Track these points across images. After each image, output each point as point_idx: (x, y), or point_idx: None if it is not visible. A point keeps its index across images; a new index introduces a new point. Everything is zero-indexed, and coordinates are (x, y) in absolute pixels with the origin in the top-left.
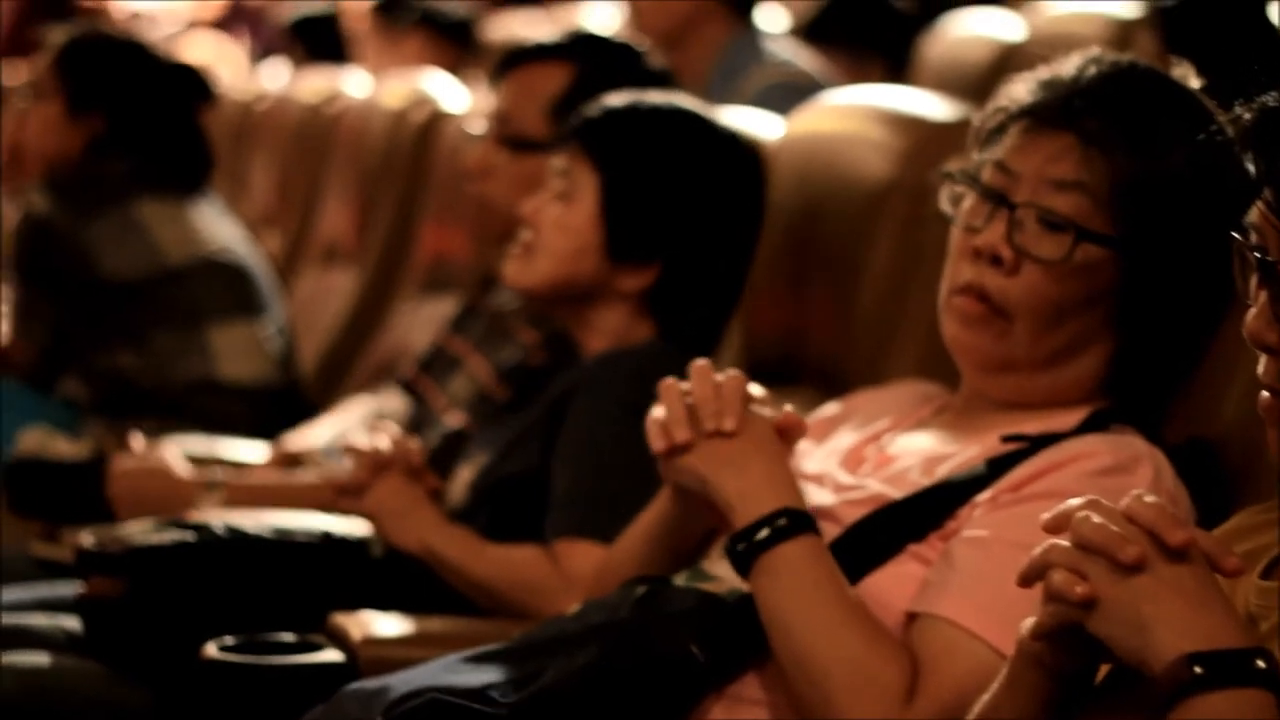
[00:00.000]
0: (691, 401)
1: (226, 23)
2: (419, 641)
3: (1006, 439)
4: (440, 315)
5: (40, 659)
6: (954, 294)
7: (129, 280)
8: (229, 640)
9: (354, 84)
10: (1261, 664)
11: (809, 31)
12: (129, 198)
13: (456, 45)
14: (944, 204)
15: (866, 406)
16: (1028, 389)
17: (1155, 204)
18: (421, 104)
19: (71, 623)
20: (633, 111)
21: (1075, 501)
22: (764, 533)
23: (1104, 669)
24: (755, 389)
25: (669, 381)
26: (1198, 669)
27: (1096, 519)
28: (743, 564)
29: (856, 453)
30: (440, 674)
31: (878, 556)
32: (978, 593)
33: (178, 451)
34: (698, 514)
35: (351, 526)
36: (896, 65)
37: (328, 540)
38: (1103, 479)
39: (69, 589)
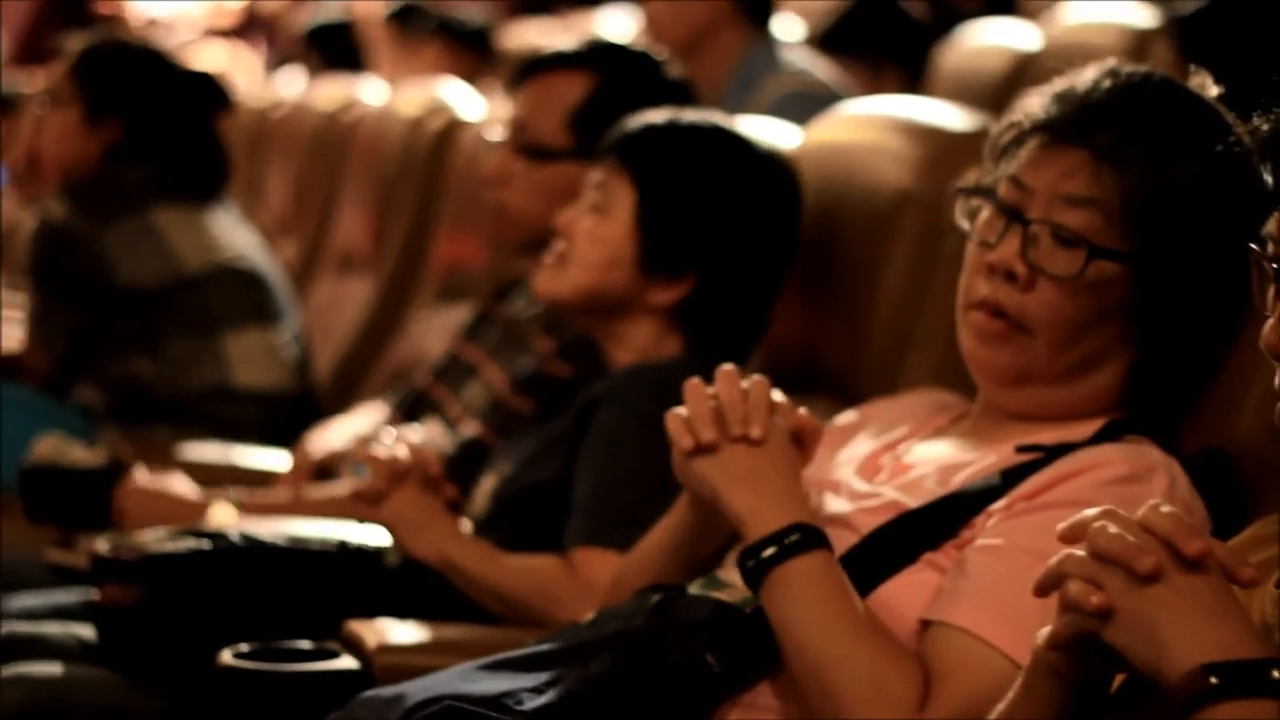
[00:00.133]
0: (716, 405)
1: (242, 30)
2: (434, 649)
3: (1021, 449)
4: (455, 323)
5: (53, 668)
6: (970, 309)
7: (145, 287)
8: (244, 647)
9: (370, 92)
10: (1277, 674)
11: (825, 41)
12: (146, 205)
13: (473, 54)
14: (959, 218)
15: (883, 415)
16: (1045, 402)
17: (1169, 218)
18: (438, 112)
19: (85, 631)
20: (671, 128)
21: (1091, 511)
22: (775, 549)
23: (1119, 679)
24: (778, 395)
25: (695, 382)
26: (1213, 679)
27: (1113, 529)
28: (754, 579)
29: (872, 461)
30: (456, 681)
31: (893, 565)
32: (992, 601)
33: (186, 480)
34: (714, 523)
35: (367, 535)
36: (912, 75)
37: (343, 549)
38: (1118, 488)
39: (83, 596)
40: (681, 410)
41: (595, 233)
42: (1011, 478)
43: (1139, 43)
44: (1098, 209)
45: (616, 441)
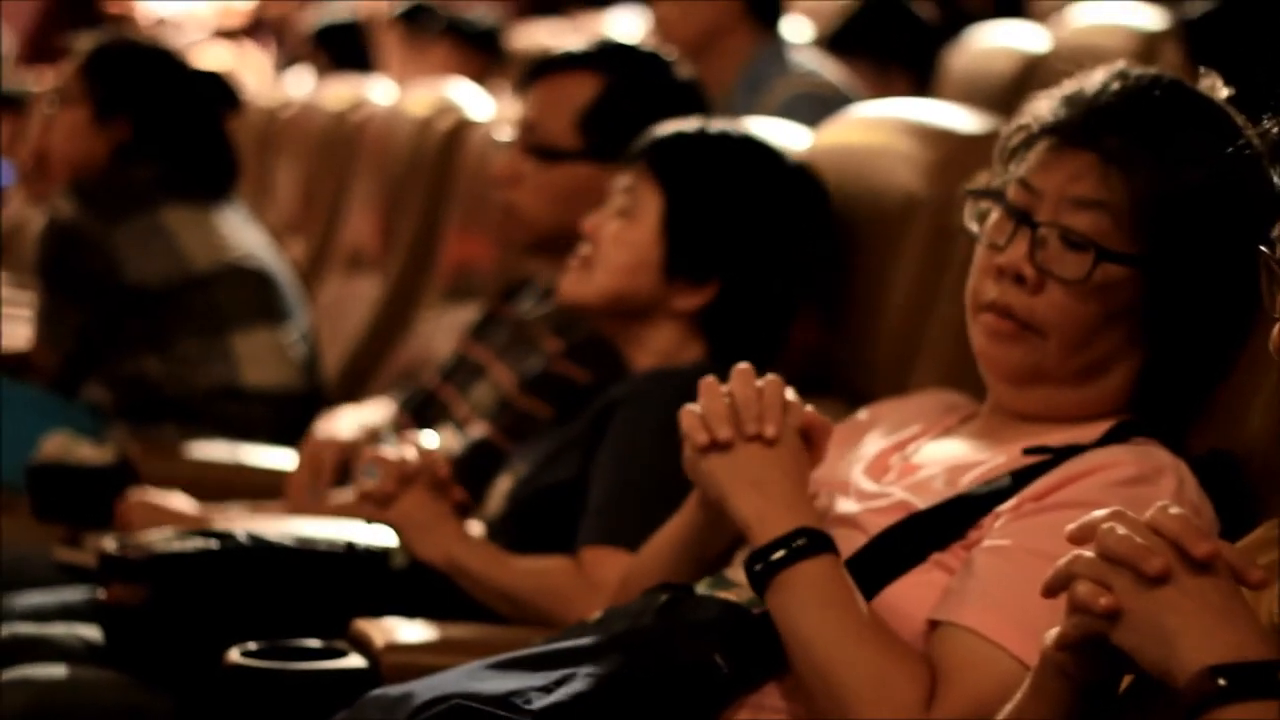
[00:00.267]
0: (731, 403)
1: (251, 30)
2: (442, 648)
3: (1029, 451)
4: (463, 323)
5: (57, 670)
6: (980, 311)
7: (154, 286)
8: (252, 645)
9: (379, 92)
10: None
11: (834, 42)
12: (155, 204)
13: (482, 54)
14: (969, 221)
15: (892, 415)
16: (1055, 403)
17: (1176, 221)
18: (446, 112)
19: (91, 632)
20: (701, 135)
21: (1100, 513)
22: (783, 552)
23: (1127, 680)
24: (790, 394)
25: (710, 379)
26: (1221, 681)
27: (1121, 530)
28: (760, 583)
29: (881, 461)
30: (464, 680)
31: (901, 565)
32: (999, 601)
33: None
34: (723, 522)
35: (375, 536)
36: (921, 76)
37: (351, 550)
38: (1126, 489)
39: (90, 595)
40: (696, 407)
41: (621, 236)
42: (1020, 479)
43: (1148, 45)
44: (1106, 211)
45: (633, 444)
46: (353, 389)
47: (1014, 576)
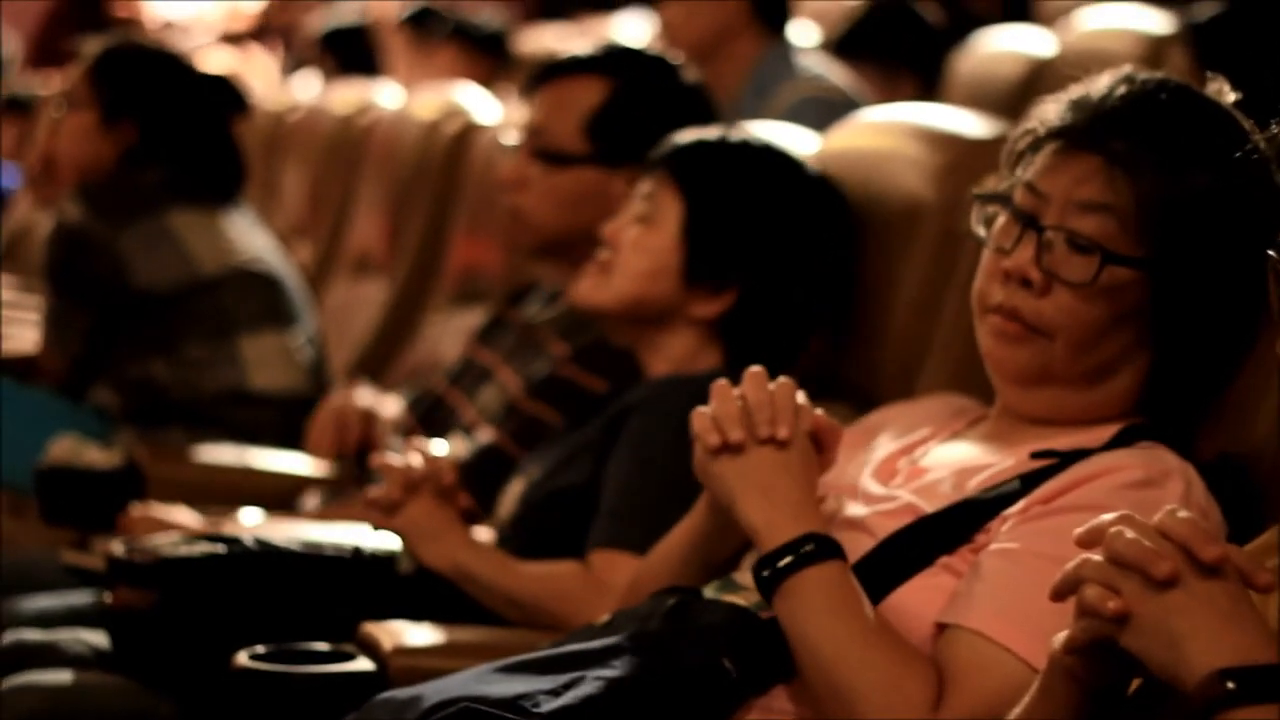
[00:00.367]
0: (743, 405)
1: (258, 34)
2: (450, 651)
3: (1037, 455)
4: (470, 327)
5: (63, 676)
6: (987, 313)
7: (161, 290)
8: (260, 649)
9: (386, 96)
10: None
11: (840, 46)
12: (162, 207)
13: (489, 58)
14: (976, 225)
15: (900, 419)
16: (1063, 405)
17: (1183, 224)
18: (453, 116)
19: (97, 638)
20: (722, 143)
21: (1108, 516)
22: (791, 558)
23: (1136, 683)
24: (800, 397)
25: (722, 382)
26: (1230, 684)
27: (1130, 534)
28: (767, 589)
29: (889, 464)
30: (472, 684)
31: (909, 569)
32: (1007, 605)
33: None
34: (732, 527)
35: (382, 541)
36: (928, 80)
37: (357, 555)
38: (1133, 492)
39: (97, 599)
40: (708, 409)
41: (641, 242)
42: (1028, 482)
43: (1155, 49)
44: (1112, 215)
45: (647, 449)
46: None
47: (1022, 580)
